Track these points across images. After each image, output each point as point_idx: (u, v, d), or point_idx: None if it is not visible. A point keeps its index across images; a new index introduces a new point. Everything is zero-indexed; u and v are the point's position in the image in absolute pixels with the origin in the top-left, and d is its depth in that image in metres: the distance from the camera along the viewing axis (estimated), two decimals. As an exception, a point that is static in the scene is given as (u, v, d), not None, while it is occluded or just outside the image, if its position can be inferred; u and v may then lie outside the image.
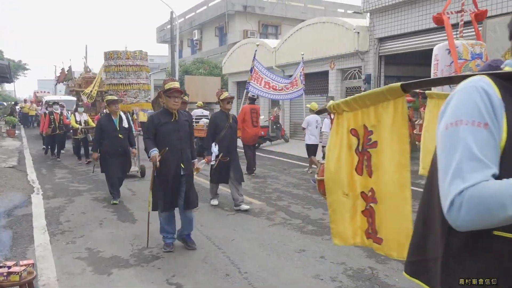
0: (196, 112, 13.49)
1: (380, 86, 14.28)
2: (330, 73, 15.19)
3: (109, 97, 7.33)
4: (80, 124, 11.73)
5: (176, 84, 4.84)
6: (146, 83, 9.99)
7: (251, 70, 7.79)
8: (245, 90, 8.31)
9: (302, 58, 10.56)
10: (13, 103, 33.14)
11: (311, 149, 9.69)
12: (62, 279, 4.03)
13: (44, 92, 29.43)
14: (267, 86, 8.88)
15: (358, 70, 14.03)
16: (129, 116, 8.89)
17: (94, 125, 10.68)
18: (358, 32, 13.12)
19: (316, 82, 16.55)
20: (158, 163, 4.63)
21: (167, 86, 4.73)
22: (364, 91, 12.92)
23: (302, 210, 6.64)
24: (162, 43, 39.88)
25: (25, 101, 30.73)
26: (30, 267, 3.09)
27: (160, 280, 4.01)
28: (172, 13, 25.19)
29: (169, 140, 4.70)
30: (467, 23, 6.58)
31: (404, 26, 11.63)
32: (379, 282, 3.95)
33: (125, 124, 7.36)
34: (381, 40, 12.71)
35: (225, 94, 6.74)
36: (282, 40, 17.85)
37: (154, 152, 4.66)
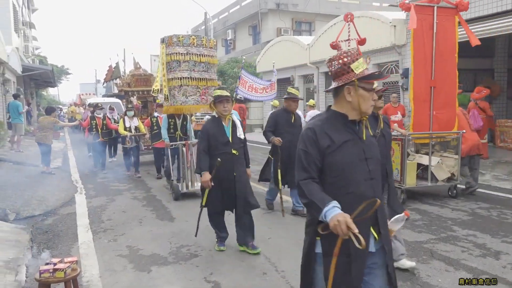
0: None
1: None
2: (366, 68, 14.86)
3: (219, 92, 4.68)
4: (130, 130, 9.80)
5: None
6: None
7: (239, 78, 8.73)
8: (235, 93, 9.03)
9: (273, 67, 10.94)
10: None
11: None
12: (105, 275, 4.16)
13: (89, 94, 28.98)
14: (250, 89, 9.38)
15: (396, 65, 13.66)
16: (188, 119, 8.23)
17: (145, 131, 10.13)
18: (395, 26, 12.77)
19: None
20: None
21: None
22: (402, 85, 12.67)
23: (339, 208, 6.53)
24: (197, 44, 40.32)
25: (74, 104, 29.21)
26: (74, 264, 3.20)
27: (198, 278, 4.06)
28: (206, 14, 25.48)
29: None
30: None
31: (443, 17, 11.21)
32: (421, 283, 3.83)
33: (241, 134, 4.77)
34: (419, 32, 12.31)
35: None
36: (316, 37, 17.64)
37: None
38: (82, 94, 28.65)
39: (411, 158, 7.08)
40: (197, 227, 4.97)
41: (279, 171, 6.01)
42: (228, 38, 32.81)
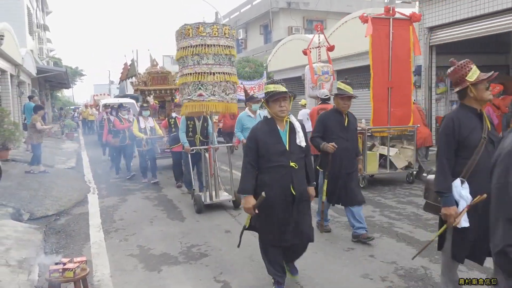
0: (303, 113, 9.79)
1: (431, 77, 13.65)
2: (378, 66, 14.75)
3: (272, 88, 3.53)
4: (145, 132, 8.96)
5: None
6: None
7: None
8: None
9: (266, 68, 11.34)
10: (60, 107, 34.76)
11: None
12: (115, 275, 4.19)
13: (103, 94, 28.84)
14: (239, 89, 9.46)
15: (408, 62, 13.52)
16: (210, 121, 7.37)
17: (162, 133, 9.31)
18: (407, 22, 12.63)
19: (361, 76, 16.13)
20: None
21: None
22: (414, 83, 12.53)
23: (351, 207, 6.49)
24: (208, 43, 40.44)
25: (86, 106, 28.32)
26: (83, 263, 3.23)
27: (208, 278, 4.06)
28: (217, 13, 25.53)
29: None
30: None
31: (457, 13, 11.04)
32: (433, 283, 3.77)
33: (301, 142, 3.53)
34: (432, 29, 12.15)
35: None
36: (327, 35, 17.54)
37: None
38: (96, 95, 28.71)
39: (375, 149, 8.41)
40: (239, 241, 3.84)
41: (325, 182, 4.93)
42: (239, 38, 32.86)
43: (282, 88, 3.48)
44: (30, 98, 14.96)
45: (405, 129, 8.26)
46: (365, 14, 7.99)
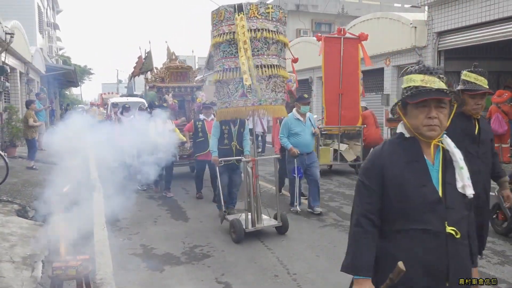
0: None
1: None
2: (386, 70, 14.69)
3: (416, 79, 1.91)
4: (164, 136, 7.24)
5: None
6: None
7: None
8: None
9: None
10: (67, 104, 34.65)
11: None
12: (118, 274, 4.20)
13: (112, 93, 28.34)
14: None
15: (416, 66, 13.47)
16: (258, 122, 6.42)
17: (182, 137, 7.73)
18: (415, 27, 12.58)
19: (370, 79, 16.09)
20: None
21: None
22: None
23: (355, 211, 6.46)
24: (217, 45, 40.49)
25: (91, 104, 27.01)
26: (86, 261, 3.25)
27: (210, 279, 4.07)
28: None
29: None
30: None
31: (466, 19, 10.98)
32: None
33: (465, 187, 1.90)
34: (440, 34, 12.09)
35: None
36: (335, 38, 17.54)
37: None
38: (104, 94, 28.43)
39: (332, 145, 10.07)
40: None
41: None
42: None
43: (438, 84, 1.87)
44: (37, 95, 15.07)
45: (352, 128, 9.90)
46: (319, 34, 10.14)
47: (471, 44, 11.12)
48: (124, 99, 16.22)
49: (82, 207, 5.37)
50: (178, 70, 9.67)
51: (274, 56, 4.94)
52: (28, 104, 10.10)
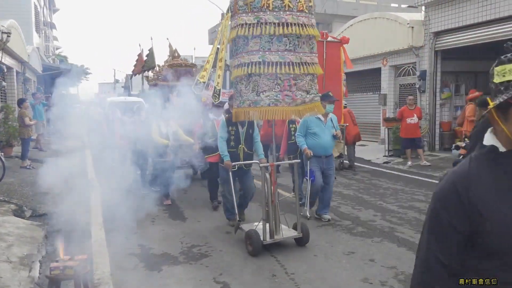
0: None
1: (436, 82, 13.66)
2: (383, 70, 14.72)
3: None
4: (167, 138, 7.11)
5: None
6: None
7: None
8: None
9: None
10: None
11: None
12: (116, 274, 4.19)
13: (108, 93, 27.87)
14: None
15: (413, 66, 13.48)
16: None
17: (189, 139, 7.22)
18: (412, 27, 12.60)
19: (368, 79, 16.13)
20: None
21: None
22: (419, 88, 12.52)
23: (352, 211, 6.48)
24: (214, 44, 40.53)
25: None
26: (84, 261, 3.25)
27: (208, 278, 4.07)
28: (222, 15, 25.60)
29: None
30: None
31: (463, 19, 11.01)
32: None
33: None
34: (437, 34, 12.12)
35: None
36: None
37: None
38: (102, 94, 28.00)
39: None
40: None
41: None
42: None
43: None
44: (33, 95, 15.02)
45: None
46: None
47: (468, 44, 11.16)
48: (123, 99, 15.41)
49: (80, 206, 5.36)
50: (181, 68, 9.55)
51: (314, 54, 4.55)
52: (20, 103, 10.05)
